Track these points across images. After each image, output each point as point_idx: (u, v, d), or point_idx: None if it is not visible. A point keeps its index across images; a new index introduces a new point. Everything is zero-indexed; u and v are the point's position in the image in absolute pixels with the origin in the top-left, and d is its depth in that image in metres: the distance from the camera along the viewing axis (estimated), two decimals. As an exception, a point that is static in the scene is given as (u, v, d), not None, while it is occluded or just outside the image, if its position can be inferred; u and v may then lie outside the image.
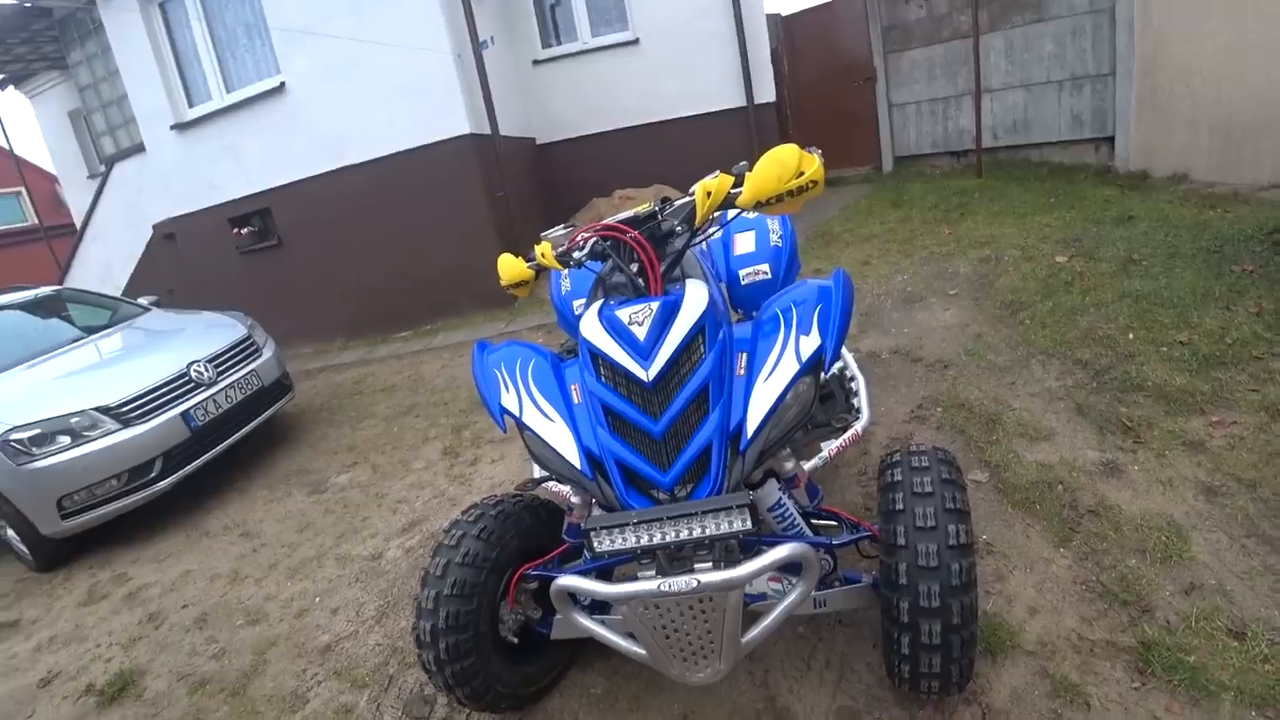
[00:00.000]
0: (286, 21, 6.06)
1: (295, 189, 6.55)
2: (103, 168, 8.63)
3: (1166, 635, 1.71)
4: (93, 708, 2.45)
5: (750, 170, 1.51)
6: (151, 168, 7.14)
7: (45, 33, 7.70)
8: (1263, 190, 4.72)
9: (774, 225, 2.59)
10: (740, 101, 7.49)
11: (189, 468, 3.76)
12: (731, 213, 1.63)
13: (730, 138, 7.56)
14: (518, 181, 6.75)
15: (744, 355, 1.54)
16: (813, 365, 1.47)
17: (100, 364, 4.13)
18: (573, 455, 1.49)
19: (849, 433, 2.16)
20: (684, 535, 1.32)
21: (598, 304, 1.64)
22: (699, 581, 1.26)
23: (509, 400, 1.62)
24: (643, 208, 1.72)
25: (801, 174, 1.44)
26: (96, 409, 3.54)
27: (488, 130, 6.29)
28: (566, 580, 1.41)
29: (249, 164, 6.61)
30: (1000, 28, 6.76)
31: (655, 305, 1.48)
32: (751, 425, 1.43)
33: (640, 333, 1.46)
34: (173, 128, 6.76)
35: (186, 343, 4.20)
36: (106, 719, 2.39)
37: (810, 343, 1.48)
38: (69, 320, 4.75)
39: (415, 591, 1.74)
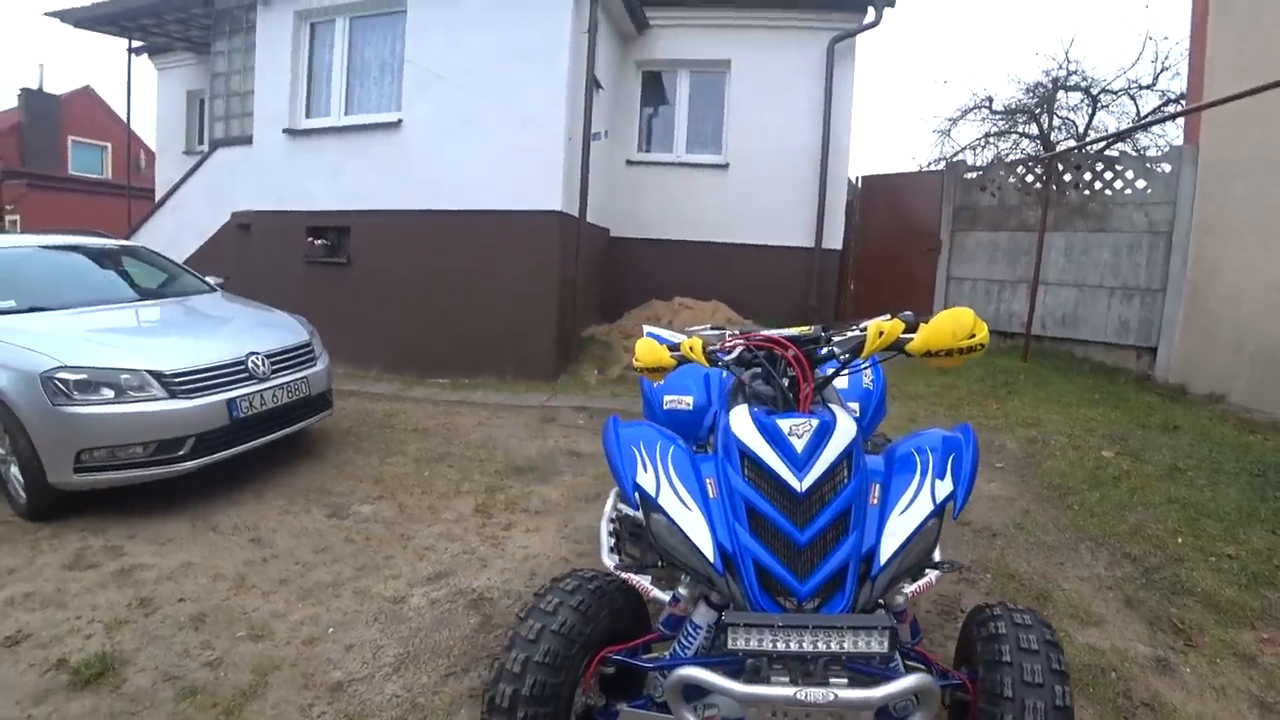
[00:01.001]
0: (419, 71, 6.46)
1: (379, 217, 6.74)
2: (202, 148, 8.99)
3: None
4: (62, 685, 2.21)
5: (924, 321, 1.61)
6: (252, 161, 7.39)
7: (200, 18, 8.19)
8: (1300, 425, 4.82)
9: (867, 368, 2.65)
10: (809, 242, 7.84)
11: (218, 455, 3.62)
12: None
13: (792, 274, 7.86)
14: (587, 265, 6.95)
15: (876, 486, 1.59)
16: (942, 509, 1.52)
17: (160, 329, 4.11)
18: (706, 547, 1.49)
19: (927, 578, 2.14)
20: (822, 647, 1.32)
21: (743, 407, 1.66)
22: (836, 696, 1.27)
23: (646, 480, 1.61)
24: (802, 329, 1.83)
25: (973, 335, 1.53)
26: (150, 371, 3.46)
27: (575, 213, 6.54)
28: (692, 672, 1.37)
29: (343, 182, 6.84)
30: (1063, 229, 7.15)
31: (815, 422, 1.54)
32: (885, 553, 1.47)
33: (799, 444, 1.51)
34: (284, 131, 7.06)
35: (249, 332, 4.18)
36: (76, 703, 2.14)
37: (944, 487, 1.55)
38: (135, 277, 4.75)
39: (500, 653, 1.61)
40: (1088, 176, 7.07)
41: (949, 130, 12.65)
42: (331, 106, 6.98)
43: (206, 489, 3.76)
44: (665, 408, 2.69)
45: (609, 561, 2.28)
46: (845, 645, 1.32)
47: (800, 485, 1.46)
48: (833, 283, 8.06)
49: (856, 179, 8.73)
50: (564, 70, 6.14)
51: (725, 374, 2.81)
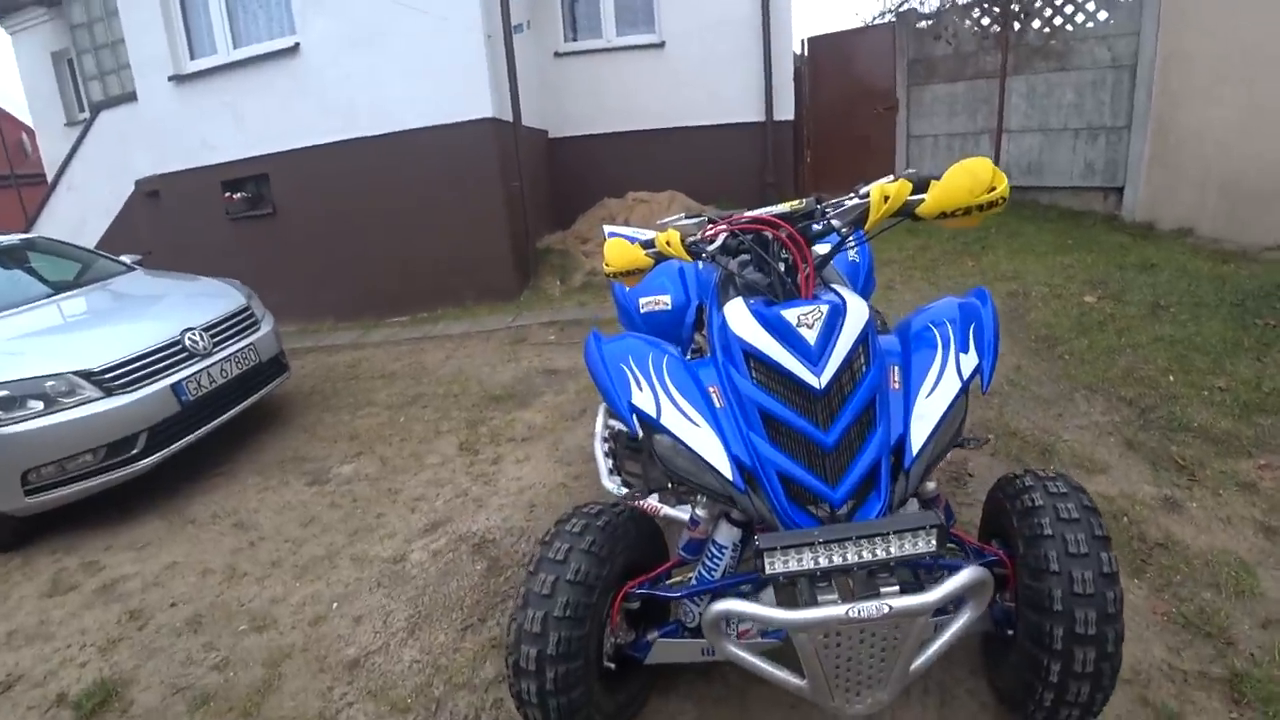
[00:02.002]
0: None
1: (297, 157, 6.16)
2: (84, 115, 8.06)
3: (1254, 667, 1.75)
4: (66, 721, 2.09)
5: (934, 178, 1.41)
6: (142, 119, 6.63)
7: (36, -38, 7.14)
8: (1268, 250, 4.86)
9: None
10: (759, 116, 7.45)
11: (176, 446, 3.37)
12: None
13: (746, 151, 7.51)
14: (531, 173, 6.52)
15: (895, 368, 1.47)
16: (969, 384, 1.43)
17: (81, 323, 3.74)
18: (723, 464, 1.35)
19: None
20: (868, 556, 1.21)
21: (738, 300, 1.48)
22: (890, 607, 1.17)
23: (642, 399, 1.44)
24: (792, 204, 1.61)
25: (993, 189, 1.36)
26: (76, 373, 3.14)
27: (509, 117, 6.05)
28: (731, 606, 1.28)
29: (249, 126, 6.20)
30: (1023, 72, 6.83)
31: (824, 308, 1.37)
32: (916, 441, 1.37)
33: (810, 336, 1.35)
34: (170, 79, 6.29)
35: (180, 307, 3.82)
36: (84, 735, 2.04)
37: (969, 360, 1.45)
38: (42, 273, 4.30)
39: (514, 612, 1.51)
40: (1048, 12, 6.68)
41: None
42: (217, 41, 6.20)
43: (174, 481, 3.54)
44: (642, 311, 2.54)
45: (610, 485, 2.17)
46: (893, 550, 1.21)
47: (819, 381, 1.31)
48: (789, 155, 7.73)
49: (802, 43, 8.21)
50: (468, -42, 5.47)
51: (704, 266, 2.63)
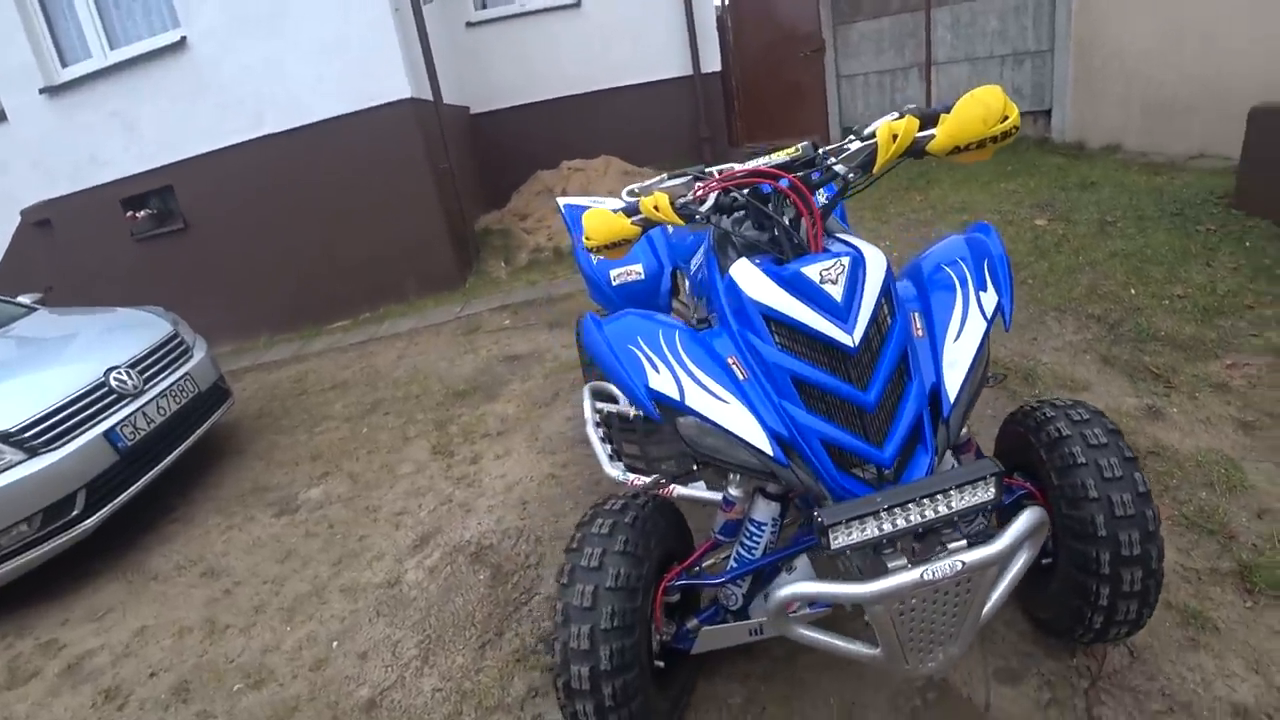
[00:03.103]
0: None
1: (203, 163, 5.63)
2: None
3: (1258, 556, 1.83)
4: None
5: (946, 111, 1.36)
6: (16, 141, 5.90)
7: None
8: (1192, 159, 5.04)
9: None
10: (686, 70, 7.25)
11: (120, 499, 3.05)
12: None
13: (676, 108, 7.32)
14: (458, 153, 6.19)
15: (916, 315, 1.41)
16: (992, 322, 1.38)
17: (-15, 377, 3.33)
18: (760, 439, 1.27)
19: None
20: (932, 514, 1.16)
21: (744, 261, 1.38)
22: (963, 563, 1.14)
23: (661, 382, 1.33)
24: (788, 152, 1.51)
25: (1006, 118, 1.30)
26: (-9, 435, 2.80)
27: (429, 95, 5.69)
28: (802, 589, 1.24)
29: (143, 135, 5.61)
30: (947, 3, 6.85)
31: (846, 260, 1.29)
32: (951, 389, 1.32)
33: (836, 291, 1.27)
34: (42, 92, 5.61)
35: (98, 346, 3.45)
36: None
37: (989, 298, 1.39)
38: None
39: (554, 630, 1.41)
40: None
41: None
42: (90, 44, 5.54)
43: (126, 535, 3.24)
44: (615, 284, 2.46)
45: (614, 472, 2.06)
46: (955, 505, 1.16)
47: (852, 339, 1.23)
48: (720, 107, 7.56)
49: (721, -12, 7.99)
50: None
51: (673, 230, 2.48)
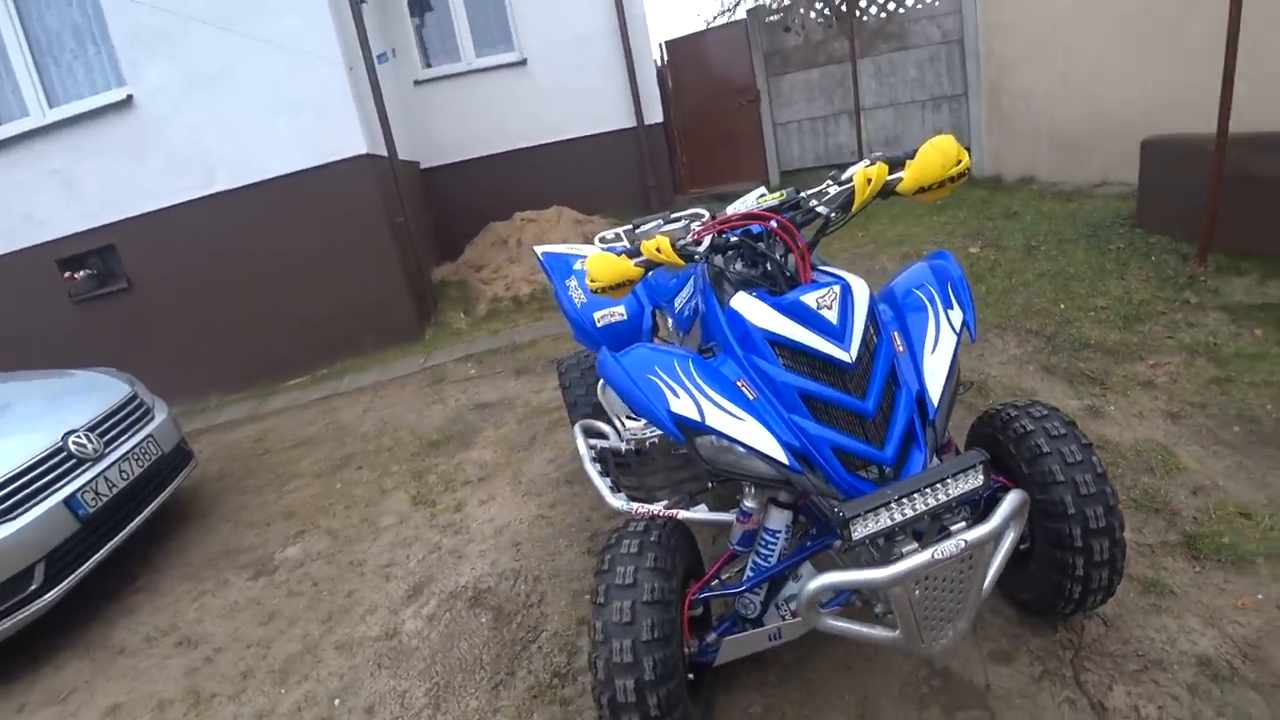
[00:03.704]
0: (135, 24, 5.11)
1: (148, 221, 5.47)
2: None
3: (1199, 527, 2.07)
4: None
5: (909, 157, 1.60)
6: (-58, 200, 5.64)
7: None
8: (1097, 187, 5.58)
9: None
10: (630, 122, 7.54)
11: (82, 570, 2.89)
12: None
13: (622, 158, 7.58)
14: (412, 206, 6.24)
15: (895, 333, 1.58)
16: (960, 336, 1.58)
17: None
18: (776, 451, 1.40)
19: None
20: (934, 502, 1.32)
21: (743, 294, 1.54)
22: (966, 541, 1.30)
23: (682, 406, 1.44)
24: (775, 196, 1.76)
25: (959, 162, 1.55)
26: (-60, 507, 2.64)
27: (384, 151, 5.74)
28: (832, 579, 1.35)
29: (84, 193, 5.43)
30: (869, 54, 7.44)
31: (838, 288, 1.47)
32: (934, 394, 1.49)
33: (831, 316, 1.45)
34: (-28, 150, 5.41)
35: (53, 409, 3.29)
36: None
37: (956, 315, 1.59)
38: None
39: (593, 649, 1.46)
40: (883, -1, 7.27)
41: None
42: (27, 101, 5.36)
43: (87, 609, 3.06)
44: (599, 325, 2.58)
45: (617, 503, 2.14)
46: (953, 491, 1.32)
47: (849, 355, 1.41)
48: (664, 156, 7.87)
49: (660, 46, 8.41)
50: (318, -14, 5.11)
51: (663, 271, 2.62)
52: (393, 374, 5.31)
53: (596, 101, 7.41)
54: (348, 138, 5.37)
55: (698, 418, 1.42)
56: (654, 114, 7.62)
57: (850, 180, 1.63)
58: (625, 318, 2.59)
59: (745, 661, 1.75)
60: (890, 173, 1.61)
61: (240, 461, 4.40)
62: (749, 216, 1.65)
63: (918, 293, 1.63)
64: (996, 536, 1.34)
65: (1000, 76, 6.68)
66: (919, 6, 7.15)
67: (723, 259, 1.75)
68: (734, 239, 1.68)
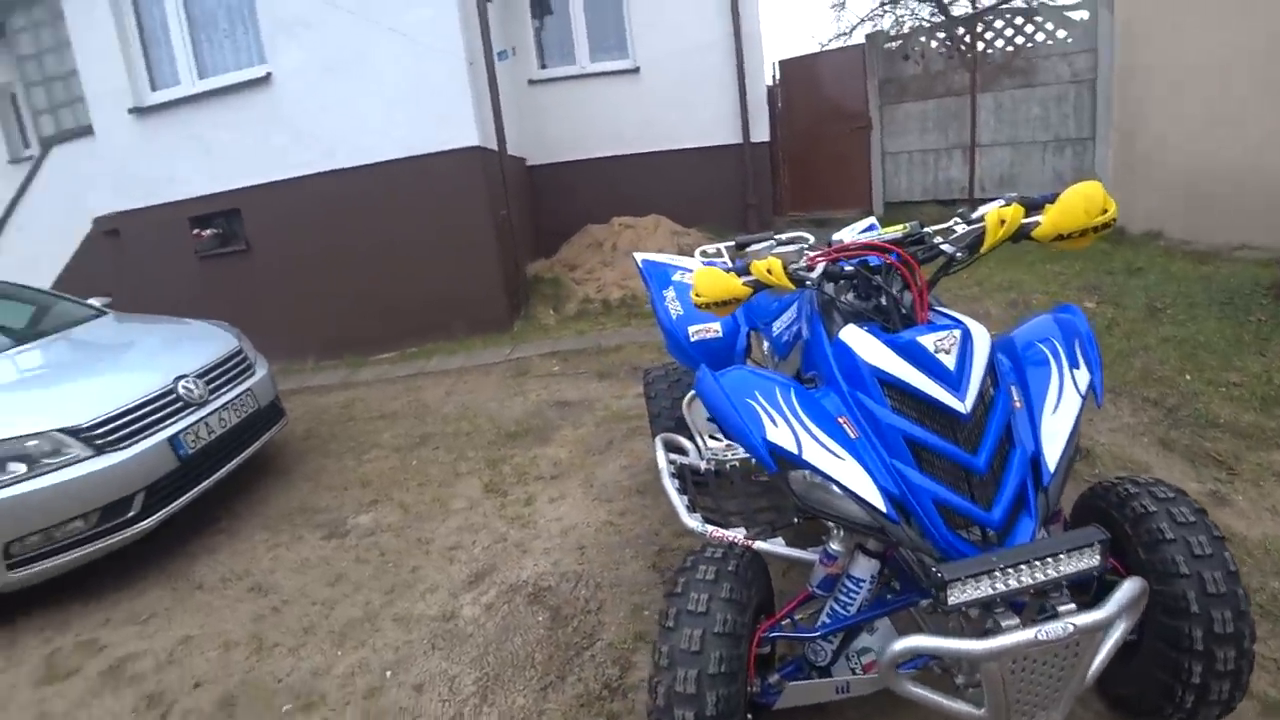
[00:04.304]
0: (280, 8, 5.50)
1: (271, 190, 5.86)
2: (30, 152, 7.52)
3: None
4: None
5: (1049, 201, 1.49)
6: (99, 155, 6.22)
7: (-22, -9, 6.67)
8: (1236, 250, 5.09)
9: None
10: (736, 138, 7.50)
11: (176, 504, 3.08)
12: None
13: (724, 173, 7.55)
14: (515, 202, 6.39)
15: (1012, 387, 1.48)
16: (1085, 399, 1.46)
17: (59, 374, 3.41)
18: (874, 496, 1.31)
19: None
20: (1042, 577, 1.21)
21: (854, 327, 1.48)
22: (1074, 625, 1.19)
23: (780, 435, 1.37)
24: (898, 228, 1.69)
25: (1105, 211, 1.42)
26: (62, 430, 2.84)
27: (494, 145, 5.92)
28: (918, 643, 1.26)
29: (218, 159, 5.88)
30: (991, 89, 7.13)
31: (958, 332, 1.40)
32: (1051, 459, 1.37)
33: (949, 361, 1.37)
34: (130, 111, 5.92)
35: (169, 353, 3.53)
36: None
37: (1083, 376, 1.47)
38: (6, 321, 3.91)
39: (655, 674, 1.40)
40: (1009, 32, 6.97)
41: (844, 3, 12.26)
42: (180, 72, 5.88)
43: (170, 542, 3.23)
44: (693, 340, 2.54)
45: (692, 522, 2.08)
46: (1064, 569, 1.22)
47: (964, 406, 1.32)
48: (767, 176, 7.79)
49: (774, 65, 8.36)
50: (452, -18, 5.35)
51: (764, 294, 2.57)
52: (478, 361, 5.43)
53: (704, 115, 7.42)
54: (461, 129, 5.56)
55: (794, 450, 1.35)
56: (761, 132, 7.57)
57: (980, 219, 1.55)
58: (720, 335, 2.56)
59: (806, 711, 1.65)
60: (1026, 215, 1.51)
61: (326, 425, 4.59)
62: (869, 247, 1.59)
63: (1041, 347, 1.52)
64: (1108, 625, 1.23)
65: (1133, 121, 6.25)
66: (1050, 43, 6.80)
67: (833, 288, 1.69)
68: (848, 268, 1.61)
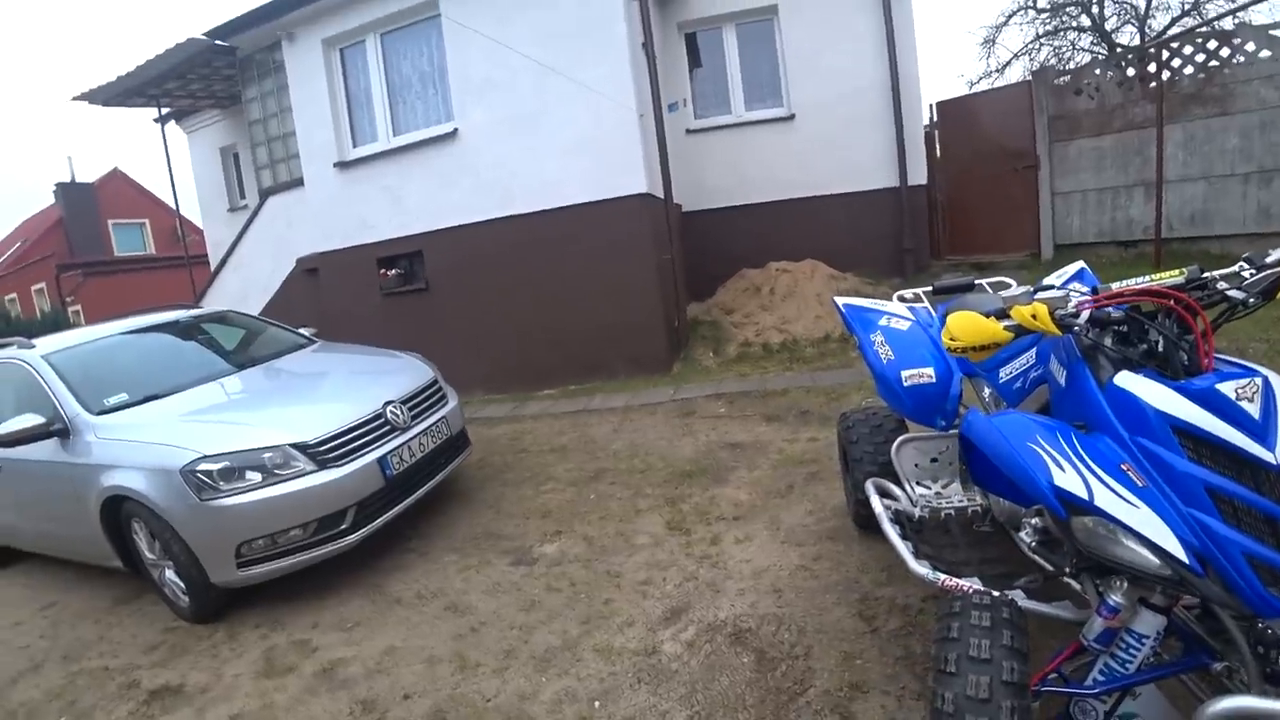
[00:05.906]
0: (468, 72, 6.04)
1: (450, 234, 6.37)
2: (245, 203, 8.68)
3: None
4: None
5: None
6: (307, 202, 7.08)
7: (223, 70, 7.88)
8: None
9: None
10: (893, 182, 7.32)
11: (380, 521, 3.29)
12: None
13: (881, 217, 7.37)
14: (676, 246, 6.53)
15: None
16: None
17: (285, 396, 3.79)
18: (1174, 546, 1.25)
19: None
20: None
21: (1139, 376, 1.42)
22: None
23: (1068, 481, 1.35)
24: (1175, 273, 1.58)
25: None
26: (294, 445, 3.12)
27: (660, 192, 6.12)
28: (1247, 703, 1.20)
29: (406, 206, 6.48)
30: (1177, 120, 6.50)
31: (1259, 380, 1.33)
32: None
33: (1254, 410, 1.30)
34: (335, 165, 6.71)
35: (377, 381, 3.82)
36: None
37: None
38: (234, 346, 4.44)
39: (930, 716, 1.37)
40: (1200, 58, 6.38)
41: (994, 39, 11.93)
42: (378, 130, 6.60)
43: (365, 558, 3.42)
44: (906, 384, 2.45)
45: (920, 569, 1.97)
46: None
47: (1275, 457, 1.25)
48: (924, 220, 7.52)
49: (930, 107, 8.13)
50: (623, 42, 5.66)
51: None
52: (642, 400, 5.50)
53: (859, 158, 7.33)
54: (631, 177, 5.80)
55: (1085, 496, 1.31)
56: (918, 175, 7.36)
57: (1275, 265, 1.51)
58: (934, 379, 2.45)
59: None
60: None
61: (499, 456, 4.78)
62: (1144, 293, 1.52)
63: None
64: None
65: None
66: (1251, 65, 6.13)
67: (1095, 333, 1.61)
68: (1115, 314, 1.54)
